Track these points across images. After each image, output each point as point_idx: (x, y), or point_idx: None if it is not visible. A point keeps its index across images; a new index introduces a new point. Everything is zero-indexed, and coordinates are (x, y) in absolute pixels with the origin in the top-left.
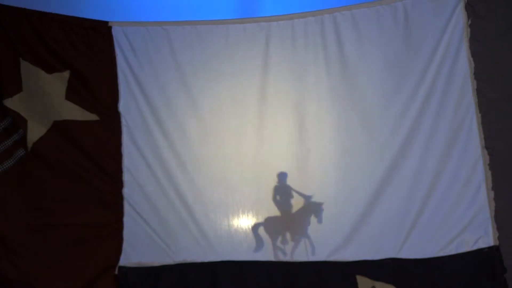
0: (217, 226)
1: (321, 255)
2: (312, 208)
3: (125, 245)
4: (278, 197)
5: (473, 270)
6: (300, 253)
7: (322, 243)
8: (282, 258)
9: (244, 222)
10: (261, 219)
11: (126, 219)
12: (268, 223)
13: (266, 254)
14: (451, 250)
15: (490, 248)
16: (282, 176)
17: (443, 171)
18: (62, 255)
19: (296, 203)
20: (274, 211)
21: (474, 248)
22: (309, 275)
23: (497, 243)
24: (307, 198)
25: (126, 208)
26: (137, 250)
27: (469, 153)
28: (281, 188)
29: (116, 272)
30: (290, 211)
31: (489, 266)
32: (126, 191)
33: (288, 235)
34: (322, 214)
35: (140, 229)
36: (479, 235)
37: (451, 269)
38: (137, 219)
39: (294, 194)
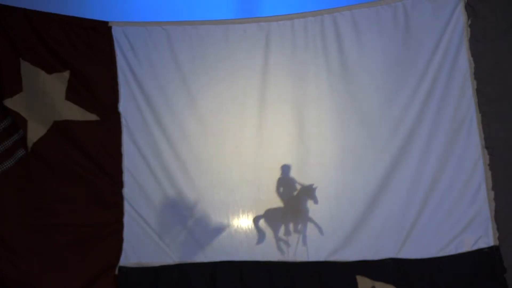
0: (217, 226)
1: (321, 255)
2: (304, 192)
3: (125, 245)
4: (281, 189)
5: (473, 270)
6: (301, 253)
7: (322, 243)
8: (285, 249)
9: (244, 222)
10: (269, 224)
11: (126, 219)
12: (269, 215)
13: (268, 248)
14: (451, 250)
15: (490, 248)
16: (285, 168)
17: (443, 171)
18: (62, 255)
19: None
20: (276, 204)
21: (474, 248)
22: (309, 275)
23: (497, 243)
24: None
25: (126, 208)
26: (137, 250)
27: (469, 153)
28: (285, 180)
29: (116, 272)
30: (293, 202)
31: (489, 266)
32: (126, 191)
33: (291, 226)
34: (315, 193)
35: (140, 229)
36: (479, 235)
37: (451, 269)
38: (137, 219)
39: (298, 186)
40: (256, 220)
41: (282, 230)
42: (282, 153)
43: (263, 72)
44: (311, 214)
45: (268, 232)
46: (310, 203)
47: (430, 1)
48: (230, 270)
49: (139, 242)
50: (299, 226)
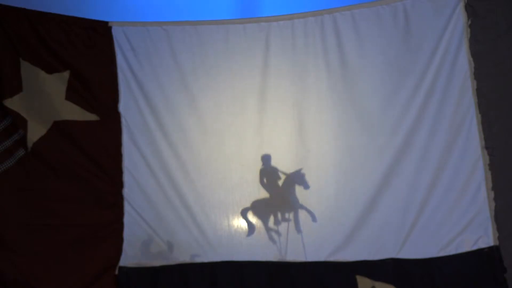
0: (217, 227)
1: (321, 255)
2: (293, 178)
3: (125, 245)
4: (264, 180)
5: (473, 270)
6: (300, 253)
7: (322, 243)
8: (277, 239)
9: (244, 222)
10: (257, 216)
11: (126, 219)
12: (256, 206)
13: (268, 248)
14: (451, 250)
15: (490, 248)
16: (266, 158)
17: (443, 171)
18: (62, 255)
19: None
20: (262, 194)
21: (474, 248)
22: (309, 275)
23: (497, 243)
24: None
25: (126, 208)
26: (137, 250)
27: (469, 153)
28: (267, 170)
29: (117, 272)
30: (278, 191)
31: (489, 266)
32: (126, 191)
33: (279, 215)
34: (305, 179)
35: (140, 229)
36: (479, 235)
37: (451, 269)
38: (137, 219)
39: (281, 175)
40: (243, 212)
41: (271, 220)
42: (282, 153)
43: (263, 72)
44: (302, 202)
45: (258, 224)
46: (300, 189)
47: (430, 1)
48: (230, 270)
49: (139, 242)
50: (287, 215)
